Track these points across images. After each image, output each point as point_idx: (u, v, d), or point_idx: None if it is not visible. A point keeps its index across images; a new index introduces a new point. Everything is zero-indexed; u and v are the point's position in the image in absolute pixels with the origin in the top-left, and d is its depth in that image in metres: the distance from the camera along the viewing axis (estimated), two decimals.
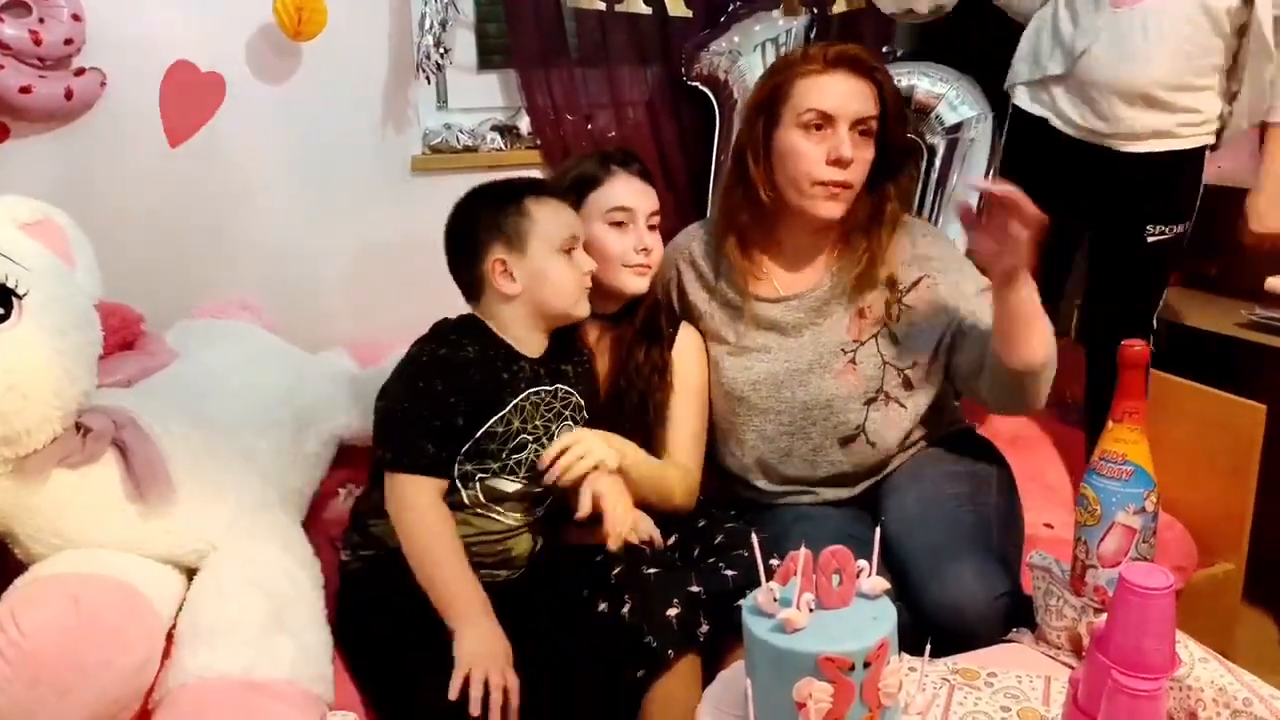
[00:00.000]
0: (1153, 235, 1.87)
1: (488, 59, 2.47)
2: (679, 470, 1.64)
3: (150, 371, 1.73)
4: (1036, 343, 1.47)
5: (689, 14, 2.30)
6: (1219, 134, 1.92)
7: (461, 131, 2.41)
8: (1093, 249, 2.04)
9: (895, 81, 1.64)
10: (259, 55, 2.19)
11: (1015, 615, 1.43)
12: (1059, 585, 1.35)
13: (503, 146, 2.43)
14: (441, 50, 2.24)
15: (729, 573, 1.45)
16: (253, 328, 2.05)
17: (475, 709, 1.29)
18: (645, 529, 1.49)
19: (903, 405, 1.66)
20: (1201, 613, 1.90)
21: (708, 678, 1.28)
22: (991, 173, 2.29)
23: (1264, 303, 2.15)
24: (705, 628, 1.40)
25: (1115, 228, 1.94)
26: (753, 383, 1.67)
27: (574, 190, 1.63)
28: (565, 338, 1.59)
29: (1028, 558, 1.44)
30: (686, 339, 1.69)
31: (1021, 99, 2.00)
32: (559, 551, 1.57)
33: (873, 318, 1.64)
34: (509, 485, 1.51)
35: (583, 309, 1.54)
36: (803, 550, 1.03)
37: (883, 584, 1.04)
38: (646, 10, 2.26)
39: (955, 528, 1.54)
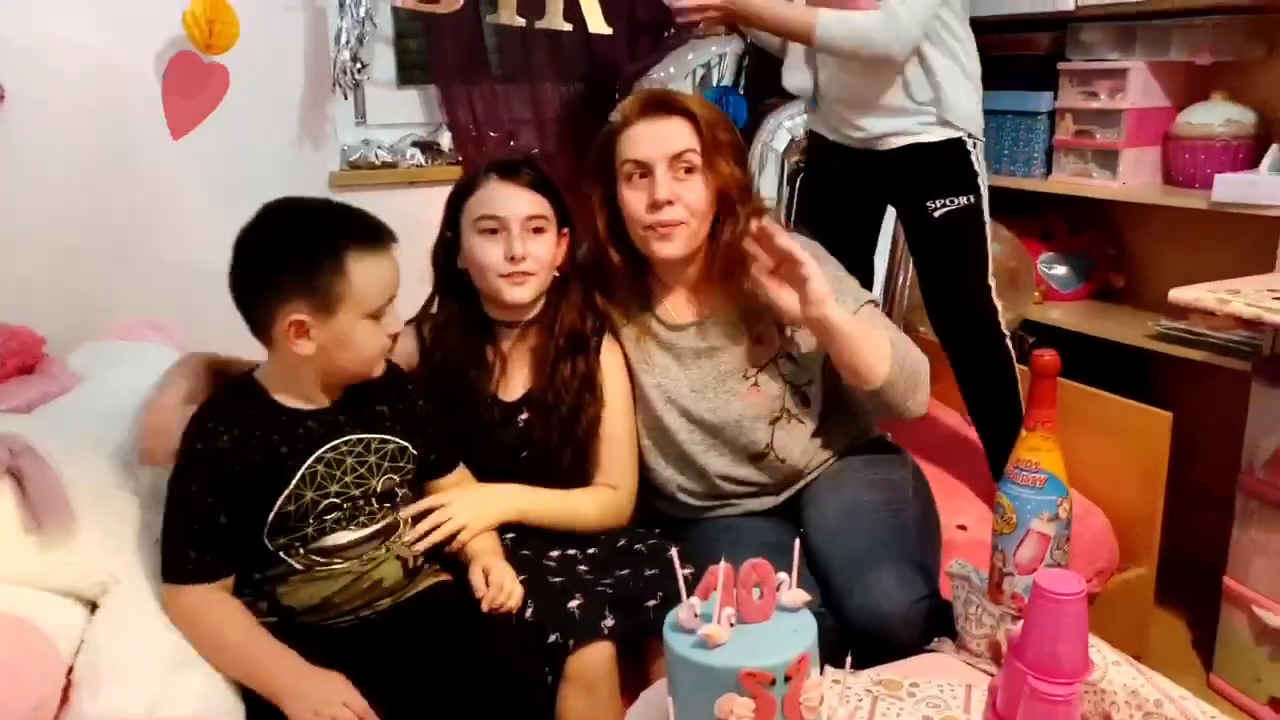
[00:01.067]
0: (938, 209, 1.96)
1: (408, 74, 2.45)
2: (604, 491, 1.64)
3: (51, 396, 1.66)
4: (872, 360, 1.56)
5: (609, 31, 2.30)
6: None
7: (381, 147, 2.38)
8: (906, 236, 2.16)
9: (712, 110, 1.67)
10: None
11: (936, 619, 1.45)
12: (977, 594, 1.36)
13: (423, 162, 2.41)
14: (359, 65, 2.21)
15: (640, 581, 1.46)
16: (164, 349, 1.98)
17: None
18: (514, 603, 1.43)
19: (803, 422, 1.70)
20: (1116, 617, 1.95)
21: (632, 697, 1.26)
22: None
23: (1170, 314, 2.22)
24: (610, 620, 1.39)
25: (904, 208, 2.07)
26: (663, 402, 1.69)
27: (455, 200, 1.63)
28: (373, 381, 1.43)
29: (947, 567, 1.46)
30: (609, 350, 1.69)
31: (809, 121, 2.17)
32: (456, 568, 1.51)
33: (769, 342, 1.68)
34: (345, 537, 1.40)
35: (378, 370, 1.41)
36: (723, 564, 1.03)
37: (803, 596, 1.04)
38: (567, 27, 2.26)
39: (874, 535, 1.56)
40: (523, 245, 1.55)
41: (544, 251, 1.58)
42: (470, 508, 1.51)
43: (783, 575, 1.06)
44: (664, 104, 1.61)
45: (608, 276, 1.70)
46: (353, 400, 1.42)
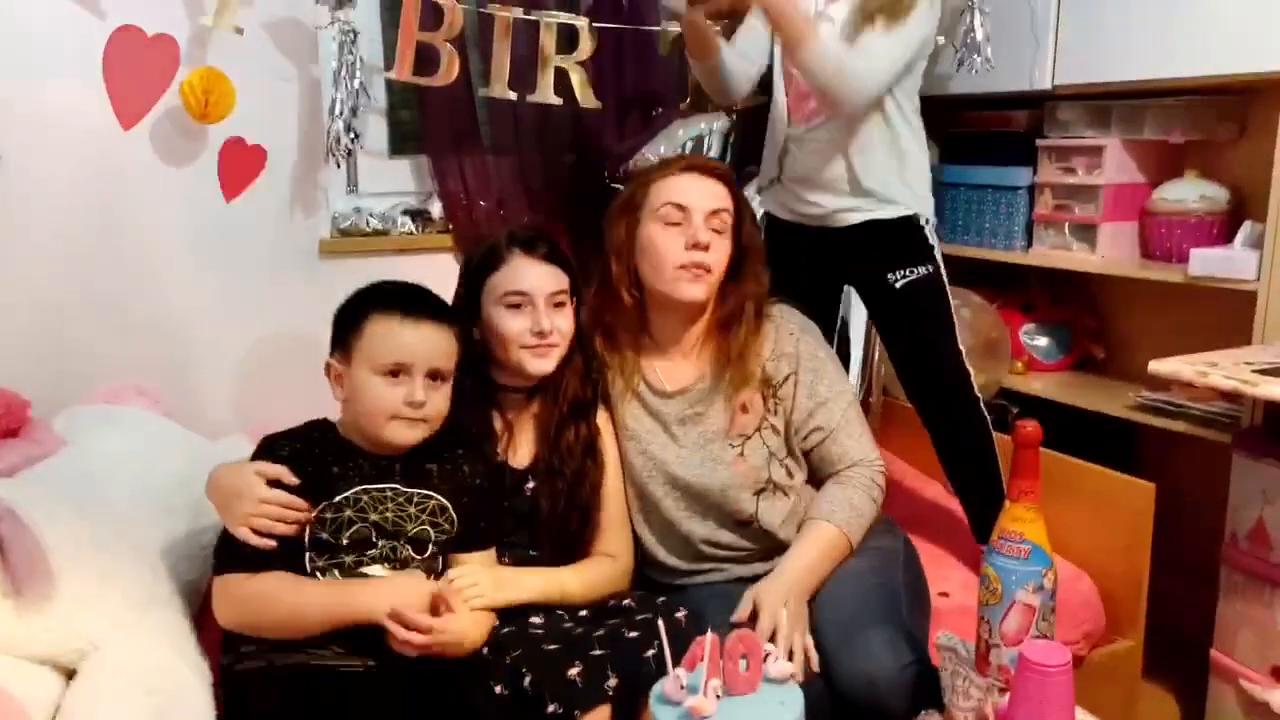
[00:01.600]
0: (898, 280, 1.99)
1: (400, 145, 2.49)
2: (598, 564, 1.66)
3: (35, 460, 1.66)
4: (838, 559, 1.64)
5: (599, 105, 2.35)
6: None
7: (372, 215, 2.41)
8: (870, 312, 2.20)
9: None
10: (164, 135, 2.16)
11: (924, 686, 1.45)
12: (964, 666, 1.36)
13: (414, 230, 2.44)
14: (352, 135, 2.25)
15: (633, 634, 1.44)
16: (148, 414, 1.98)
17: (404, 639, 1.35)
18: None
19: (786, 495, 1.73)
20: (1104, 690, 1.94)
21: None
22: None
23: (1150, 385, 2.25)
24: (613, 680, 1.38)
25: (866, 283, 2.10)
26: (649, 469, 1.72)
27: (477, 273, 1.66)
28: (436, 441, 1.54)
29: (934, 638, 1.45)
30: (602, 418, 1.72)
31: (762, 202, 2.20)
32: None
33: (754, 411, 1.72)
34: (378, 571, 1.48)
35: (399, 437, 1.48)
36: (710, 636, 1.03)
37: (789, 668, 1.04)
38: (557, 101, 2.31)
39: (864, 601, 1.57)
40: (549, 320, 1.60)
41: (566, 324, 1.64)
42: (497, 586, 1.52)
43: (769, 646, 1.06)
44: (707, 168, 1.73)
45: (615, 320, 1.74)
46: (411, 456, 1.53)
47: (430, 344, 1.49)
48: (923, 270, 1.99)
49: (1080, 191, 2.40)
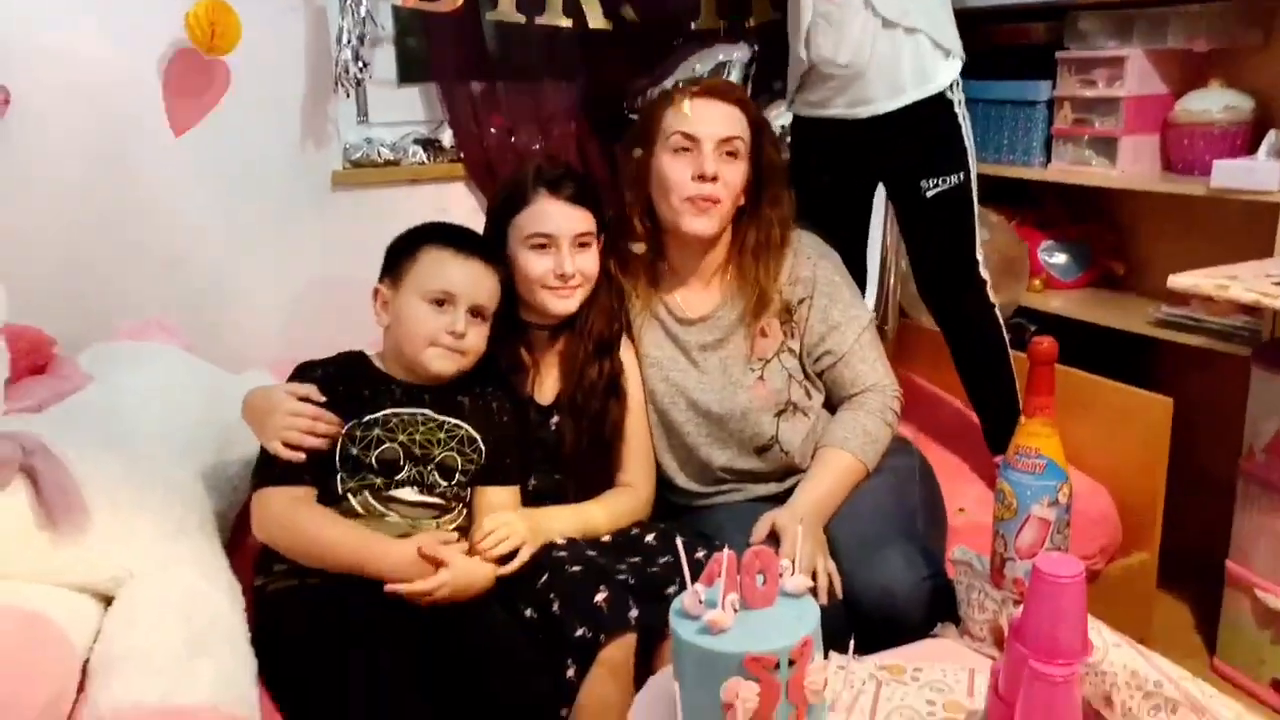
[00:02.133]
0: (930, 190, 1.99)
1: (408, 72, 2.46)
2: (621, 496, 1.69)
3: (63, 396, 1.67)
4: (851, 485, 1.66)
5: (608, 26, 2.31)
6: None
7: (383, 145, 2.39)
8: (896, 214, 2.19)
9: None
10: (172, 70, 2.14)
11: (940, 600, 1.48)
12: (979, 579, 1.38)
13: (425, 160, 2.42)
14: (361, 64, 2.22)
15: (655, 568, 1.48)
16: (171, 349, 2.00)
17: (411, 585, 1.41)
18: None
19: (806, 415, 1.74)
20: (1119, 602, 1.97)
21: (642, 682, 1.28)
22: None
23: (1170, 300, 2.23)
24: (635, 612, 1.42)
25: (899, 190, 2.08)
26: (671, 395, 1.72)
27: (503, 211, 1.66)
28: (469, 374, 1.60)
29: (950, 553, 1.48)
30: (626, 351, 1.74)
31: (796, 109, 2.15)
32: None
33: (773, 336, 1.73)
34: (407, 494, 1.53)
35: (435, 365, 1.54)
36: (726, 552, 1.05)
37: (805, 583, 1.06)
38: (567, 23, 2.28)
39: (881, 518, 1.60)
40: (572, 262, 1.61)
41: (590, 265, 1.65)
42: (532, 531, 1.54)
43: (785, 562, 1.08)
44: (723, 91, 1.70)
45: (628, 249, 1.74)
46: (441, 385, 1.58)
47: (477, 280, 1.55)
48: (955, 179, 1.98)
49: (1100, 104, 2.35)
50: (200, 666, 1.28)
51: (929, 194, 1.98)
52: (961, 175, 1.98)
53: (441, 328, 1.53)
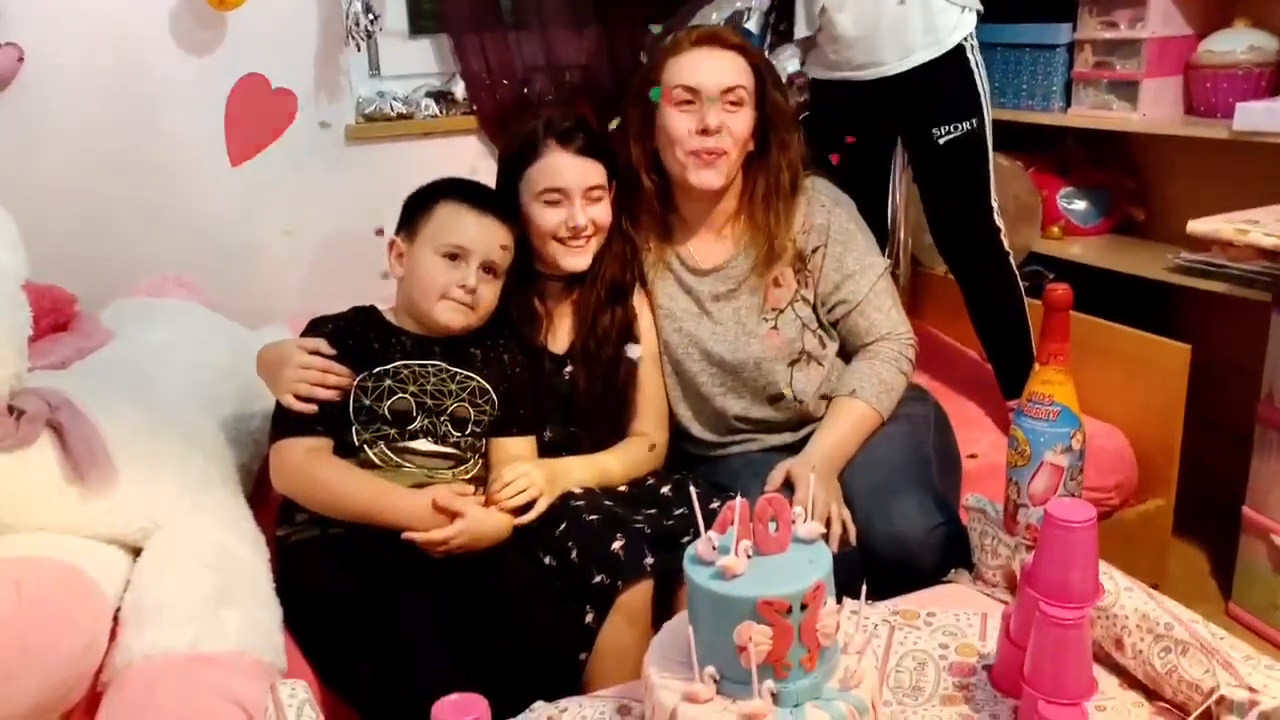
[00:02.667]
0: (942, 137, 1.97)
1: (420, 24, 2.44)
2: (635, 445, 1.70)
3: (86, 352, 1.70)
4: (868, 432, 1.67)
5: None
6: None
7: (395, 99, 2.38)
8: (910, 163, 2.17)
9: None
10: (182, 26, 2.14)
11: (954, 547, 1.49)
12: (993, 525, 1.39)
13: (438, 113, 2.41)
14: (371, 16, 2.21)
15: (676, 512, 1.51)
16: (191, 305, 2.02)
17: (427, 534, 1.44)
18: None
19: (820, 364, 1.74)
20: (1134, 548, 1.98)
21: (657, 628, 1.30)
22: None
23: (1190, 246, 2.21)
24: (651, 560, 1.44)
25: (910, 137, 2.07)
26: (685, 345, 1.73)
27: (515, 164, 1.65)
28: (479, 328, 1.61)
29: (964, 499, 1.48)
30: (640, 300, 1.73)
31: (808, 69, 2.15)
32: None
33: (787, 285, 1.72)
34: (423, 445, 1.55)
35: (445, 318, 1.55)
36: (739, 499, 1.05)
37: (818, 529, 1.07)
38: None
39: (895, 466, 1.61)
40: (585, 215, 1.61)
41: (602, 216, 1.65)
42: (550, 481, 1.55)
43: (798, 509, 1.09)
44: (721, 39, 1.67)
45: (636, 203, 1.73)
46: (452, 339, 1.60)
47: (490, 236, 1.56)
48: (967, 125, 1.96)
49: (1122, 46, 2.31)
50: (228, 615, 1.31)
51: (941, 140, 1.96)
52: (975, 121, 1.96)
53: (453, 281, 1.54)
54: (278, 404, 1.52)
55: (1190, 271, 2.22)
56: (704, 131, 1.62)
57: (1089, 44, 2.38)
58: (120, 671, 1.24)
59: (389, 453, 1.53)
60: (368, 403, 1.52)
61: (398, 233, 1.62)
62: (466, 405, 1.57)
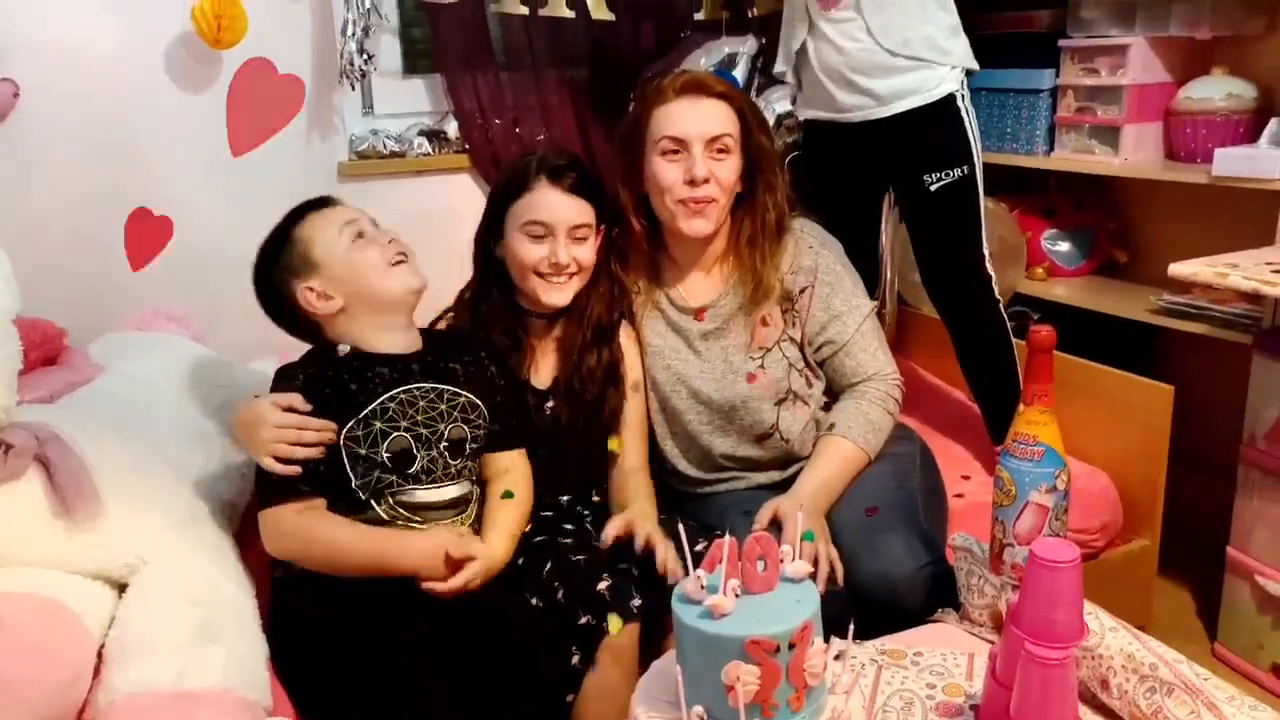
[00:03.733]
0: (934, 184, 1.98)
1: (413, 64, 2.48)
2: (634, 472, 1.70)
3: (74, 386, 1.70)
4: (854, 471, 1.67)
5: (611, 17, 2.32)
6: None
7: (389, 137, 2.41)
8: (899, 208, 2.19)
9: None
10: (179, 63, 2.16)
11: (941, 586, 1.50)
12: (979, 565, 1.40)
13: (430, 151, 2.44)
14: (365, 56, 2.24)
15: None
16: (180, 339, 2.02)
17: (448, 582, 1.40)
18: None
19: (807, 403, 1.75)
20: (1119, 588, 1.98)
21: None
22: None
23: (1172, 288, 2.24)
24: (638, 601, 1.44)
25: (902, 184, 2.08)
26: (673, 384, 1.74)
27: (504, 196, 1.66)
28: (453, 337, 1.62)
29: (951, 538, 1.49)
30: (626, 337, 1.74)
31: (799, 110, 2.16)
32: None
33: (774, 325, 1.73)
34: (425, 496, 1.51)
35: (409, 280, 1.52)
36: (727, 538, 1.06)
37: (806, 568, 1.08)
38: (570, 14, 2.29)
39: (883, 505, 1.61)
40: (567, 252, 1.61)
41: (586, 256, 1.65)
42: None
43: (786, 548, 1.09)
44: (705, 86, 1.67)
45: (626, 245, 1.74)
46: (428, 353, 1.56)
47: (355, 210, 1.59)
48: (959, 172, 1.98)
49: (1103, 93, 2.36)
50: (213, 652, 1.30)
51: (933, 188, 1.98)
52: (966, 169, 1.98)
53: (380, 250, 1.53)
54: (259, 469, 1.44)
55: (1172, 313, 2.25)
56: (691, 182, 1.63)
57: (1071, 89, 2.43)
58: (104, 709, 1.23)
59: (396, 506, 1.49)
60: (363, 452, 1.47)
61: (293, 287, 1.53)
62: (461, 425, 1.53)
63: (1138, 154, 2.35)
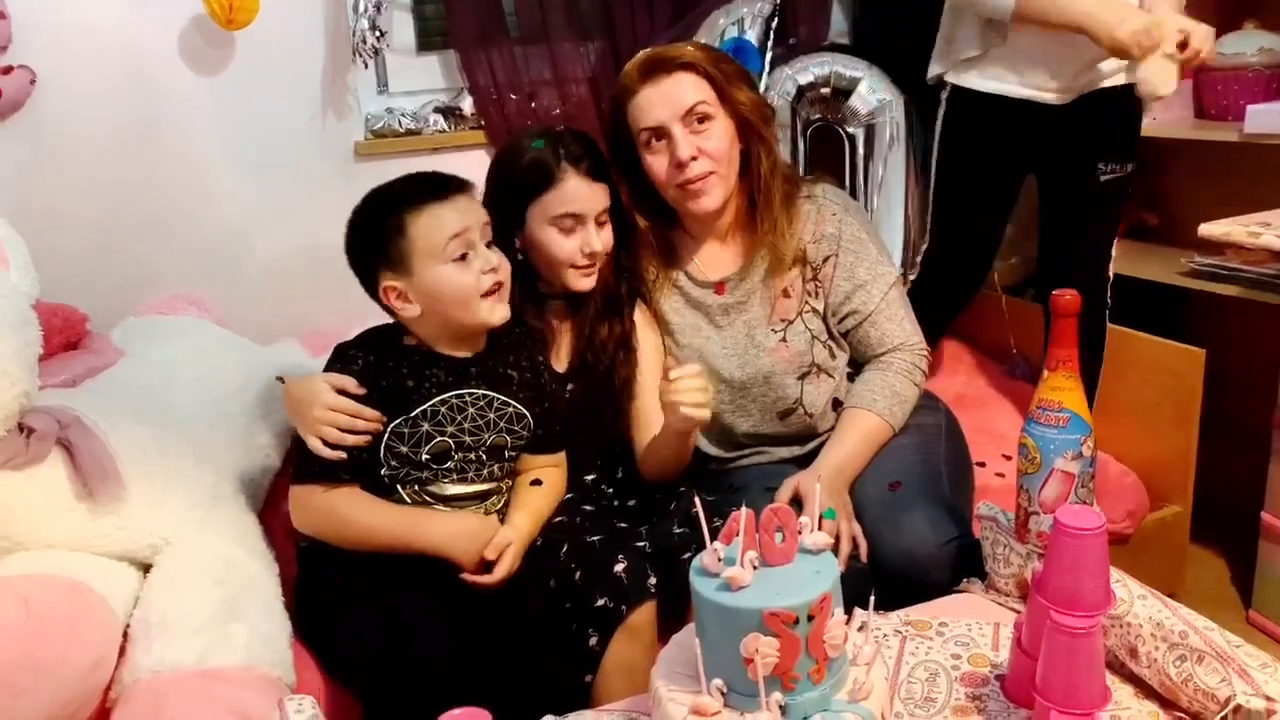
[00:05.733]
0: (1105, 174, 1.93)
1: (427, 40, 2.46)
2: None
3: (96, 371, 1.72)
4: (879, 443, 1.66)
5: None
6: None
7: (404, 115, 2.39)
8: (1045, 199, 2.09)
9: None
10: (192, 46, 2.16)
11: (966, 559, 1.47)
12: (1004, 534, 1.38)
13: (446, 128, 2.42)
14: (378, 33, 2.22)
15: (678, 530, 1.49)
16: (201, 322, 2.04)
17: (490, 575, 1.41)
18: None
19: (831, 376, 1.72)
20: (1151, 554, 1.96)
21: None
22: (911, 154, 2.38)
23: (1203, 250, 2.19)
24: (654, 580, 1.43)
25: (1068, 171, 1.99)
26: (692, 361, 1.70)
27: (524, 189, 1.60)
28: (513, 340, 1.57)
29: (976, 508, 1.47)
30: (639, 311, 1.72)
31: (969, 79, 2.00)
32: None
33: (796, 296, 1.69)
34: (453, 489, 1.51)
35: (494, 315, 1.47)
36: (744, 510, 1.05)
37: (825, 539, 1.06)
38: None
39: (907, 479, 1.58)
40: (598, 240, 1.59)
41: (610, 241, 1.63)
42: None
43: (805, 519, 1.08)
44: (662, 63, 1.60)
45: (632, 237, 1.71)
46: (488, 357, 1.53)
47: (471, 211, 1.47)
48: (1127, 168, 1.93)
49: None
50: (236, 630, 1.32)
51: (1102, 178, 1.91)
52: (1132, 166, 1.93)
53: (477, 272, 1.44)
54: (302, 442, 1.44)
55: (1203, 275, 2.20)
56: (679, 165, 1.59)
57: None
58: (129, 687, 1.25)
59: (421, 493, 1.49)
60: (404, 450, 1.46)
61: (380, 276, 1.46)
62: (504, 435, 1.52)
63: (1167, 113, 2.29)
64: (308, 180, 2.32)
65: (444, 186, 1.47)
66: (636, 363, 1.68)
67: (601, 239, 1.60)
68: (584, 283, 1.62)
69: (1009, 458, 1.98)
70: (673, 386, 1.45)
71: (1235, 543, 2.15)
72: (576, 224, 1.58)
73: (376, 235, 1.46)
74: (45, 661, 1.20)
